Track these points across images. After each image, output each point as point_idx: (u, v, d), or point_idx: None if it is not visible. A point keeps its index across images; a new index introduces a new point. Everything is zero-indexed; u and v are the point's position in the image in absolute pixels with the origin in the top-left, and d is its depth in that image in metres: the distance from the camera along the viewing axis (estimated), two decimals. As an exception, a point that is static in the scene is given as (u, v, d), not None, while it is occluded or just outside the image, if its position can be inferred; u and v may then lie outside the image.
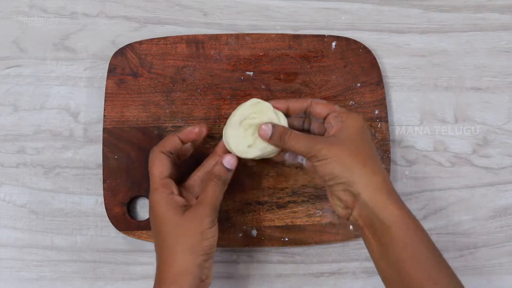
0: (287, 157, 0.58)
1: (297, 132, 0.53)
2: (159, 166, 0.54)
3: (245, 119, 0.56)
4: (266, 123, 0.54)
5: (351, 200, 0.50)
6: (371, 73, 0.64)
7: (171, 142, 0.55)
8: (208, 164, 0.58)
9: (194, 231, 0.51)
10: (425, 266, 0.48)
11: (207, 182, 0.54)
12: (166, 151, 0.55)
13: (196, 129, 0.56)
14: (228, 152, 0.57)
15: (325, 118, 0.55)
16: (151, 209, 0.53)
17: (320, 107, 0.55)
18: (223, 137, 0.58)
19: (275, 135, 0.53)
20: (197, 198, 0.55)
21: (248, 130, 0.56)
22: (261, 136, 0.54)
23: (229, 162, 0.55)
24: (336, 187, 0.51)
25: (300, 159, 0.58)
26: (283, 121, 0.56)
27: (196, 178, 0.57)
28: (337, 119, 0.53)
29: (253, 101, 0.57)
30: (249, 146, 0.55)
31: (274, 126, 0.54)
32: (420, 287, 0.47)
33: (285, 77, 0.64)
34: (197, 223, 0.51)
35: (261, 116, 0.55)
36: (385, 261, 0.49)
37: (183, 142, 0.56)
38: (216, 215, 0.53)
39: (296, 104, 0.56)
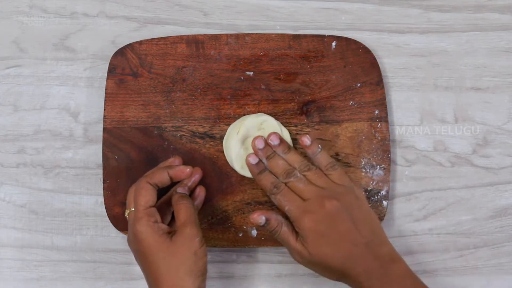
0: None
1: (284, 231, 0.55)
2: (145, 196, 0.54)
3: (248, 138, 0.60)
4: (259, 214, 0.55)
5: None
6: (371, 73, 0.64)
7: (160, 177, 0.55)
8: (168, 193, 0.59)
9: (188, 254, 0.52)
10: None
11: (176, 205, 0.55)
12: (152, 183, 0.55)
13: (187, 170, 0.56)
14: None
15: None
16: (136, 238, 0.53)
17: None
18: (223, 146, 0.61)
19: (268, 227, 0.55)
20: (167, 224, 0.57)
21: (250, 149, 0.59)
22: (254, 222, 0.55)
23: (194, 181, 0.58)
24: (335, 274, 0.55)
25: None
26: (288, 139, 0.60)
27: (159, 204, 0.57)
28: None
29: (261, 118, 0.60)
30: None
31: (268, 217, 0.55)
32: None
33: (285, 77, 0.64)
34: (188, 245, 0.52)
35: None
36: None
37: (171, 179, 0.56)
38: (201, 233, 0.53)
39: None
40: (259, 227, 0.57)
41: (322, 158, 0.57)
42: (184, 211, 0.54)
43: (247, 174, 0.60)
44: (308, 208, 0.54)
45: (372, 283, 0.51)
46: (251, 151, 0.59)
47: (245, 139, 0.60)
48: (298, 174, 0.56)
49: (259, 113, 0.62)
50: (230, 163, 0.61)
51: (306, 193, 0.55)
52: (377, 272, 0.51)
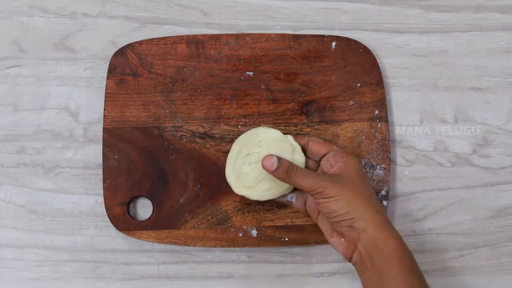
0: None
1: (302, 168, 0.55)
2: None
3: (248, 154, 0.58)
4: (270, 155, 0.54)
5: (355, 235, 0.52)
6: (371, 73, 0.64)
7: None
8: None
9: None
10: None
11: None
12: None
13: None
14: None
15: (322, 156, 0.57)
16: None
17: (317, 146, 0.57)
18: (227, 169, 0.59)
19: (281, 169, 0.54)
20: None
21: (251, 166, 0.58)
22: (265, 167, 0.54)
23: None
24: (341, 223, 0.52)
25: (290, 198, 0.59)
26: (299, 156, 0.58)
27: None
28: (336, 158, 0.55)
29: (257, 138, 0.58)
30: (248, 188, 0.58)
31: (279, 159, 0.54)
32: None
33: (285, 77, 0.64)
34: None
35: (269, 147, 0.57)
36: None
37: None
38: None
39: (299, 142, 0.58)
40: (274, 172, 0.54)
41: (316, 147, 0.58)
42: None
43: (242, 193, 0.58)
44: (339, 151, 0.56)
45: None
46: (251, 166, 0.58)
47: (246, 155, 0.58)
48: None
49: (257, 128, 0.60)
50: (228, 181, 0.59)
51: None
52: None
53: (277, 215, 0.62)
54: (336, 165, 0.55)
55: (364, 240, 0.51)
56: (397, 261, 0.50)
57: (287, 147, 0.57)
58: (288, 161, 0.54)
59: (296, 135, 0.60)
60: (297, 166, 0.54)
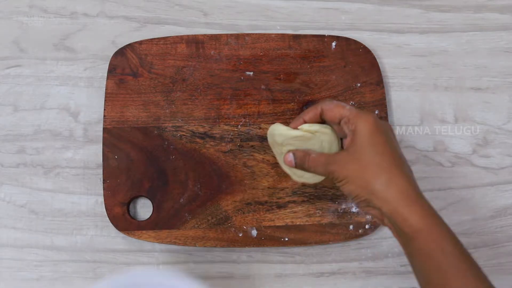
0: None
1: (315, 154, 0.52)
2: None
3: (283, 144, 0.55)
4: (287, 152, 0.54)
5: (378, 213, 0.49)
6: (371, 73, 0.64)
7: None
8: None
9: None
10: (450, 276, 0.46)
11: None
12: None
13: None
14: None
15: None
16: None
17: (330, 114, 0.52)
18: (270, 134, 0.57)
19: (298, 161, 0.53)
20: None
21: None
22: (288, 165, 0.54)
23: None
24: (360, 205, 0.50)
25: None
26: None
27: None
28: (347, 126, 0.51)
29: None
30: (300, 177, 0.56)
31: (294, 153, 0.53)
32: None
33: (285, 77, 0.64)
34: None
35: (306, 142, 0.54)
36: (412, 268, 0.48)
37: None
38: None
39: (311, 115, 0.54)
40: (296, 167, 0.54)
41: (328, 116, 0.53)
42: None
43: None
44: (367, 111, 0.52)
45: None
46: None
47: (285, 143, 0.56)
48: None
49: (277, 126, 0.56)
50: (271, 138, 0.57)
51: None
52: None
53: (277, 215, 0.62)
54: (349, 136, 0.50)
55: (386, 217, 0.48)
56: (425, 242, 0.46)
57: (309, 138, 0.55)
58: (301, 152, 0.53)
59: (310, 109, 0.54)
60: (310, 154, 0.52)
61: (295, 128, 0.54)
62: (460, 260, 0.46)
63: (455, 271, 0.46)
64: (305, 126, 0.54)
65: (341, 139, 0.55)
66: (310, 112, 0.54)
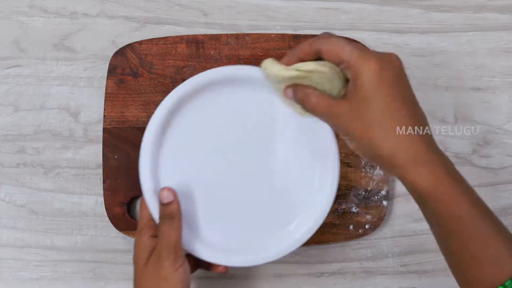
0: None
1: (315, 97, 0.46)
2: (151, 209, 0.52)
3: (279, 82, 0.50)
4: (287, 88, 0.48)
5: (386, 171, 0.47)
6: (371, 73, 0.64)
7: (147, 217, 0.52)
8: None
9: (157, 278, 0.48)
10: (469, 244, 0.43)
11: (159, 224, 0.51)
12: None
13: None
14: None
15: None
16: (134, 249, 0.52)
17: (328, 56, 0.45)
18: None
19: (298, 100, 0.48)
20: None
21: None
22: (289, 98, 0.49)
23: (166, 197, 0.51)
24: (369, 162, 0.48)
25: None
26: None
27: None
28: (348, 72, 0.45)
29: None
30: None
31: (294, 89, 0.48)
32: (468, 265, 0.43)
33: (285, 77, 0.64)
34: (158, 269, 0.48)
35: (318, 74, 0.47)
36: (433, 234, 0.46)
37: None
38: (178, 255, 0.49)
39: (306, 53, 0.47)
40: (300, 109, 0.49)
41: (330, 57, 0.45)
42: (163, 231, 0.50)
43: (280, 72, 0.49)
44: (370, 52, 0.44)
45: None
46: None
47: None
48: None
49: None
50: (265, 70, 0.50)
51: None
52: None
53: (277, 215, 0.62)
54: (351, 83, 0.44)
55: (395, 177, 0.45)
56: (438, 205, 0.43)
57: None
58: (302, 92, 0.47)
59: (303, 48, 0.47)
60: (309, 98, 0.46)
61: (289, 65, 0.48)
62: (476, 225, 0.43)
63: (474, 237, 0.42)
64: (299, 65, 0.47)
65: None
66: (306, 49, 0.47)
